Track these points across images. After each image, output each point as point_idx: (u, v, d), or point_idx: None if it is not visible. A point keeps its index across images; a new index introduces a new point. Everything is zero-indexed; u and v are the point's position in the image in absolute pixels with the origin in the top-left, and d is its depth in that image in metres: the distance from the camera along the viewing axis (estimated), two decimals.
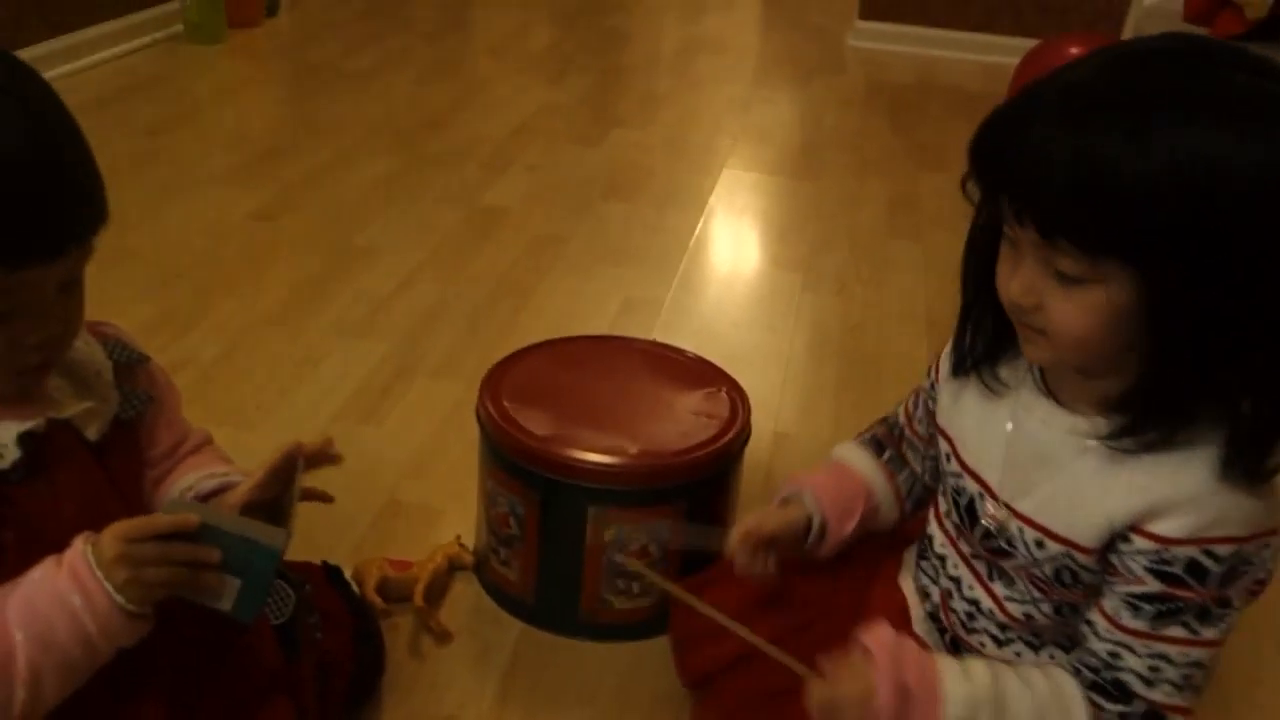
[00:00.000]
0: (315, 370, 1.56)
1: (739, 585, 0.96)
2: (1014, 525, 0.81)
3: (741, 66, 3.48)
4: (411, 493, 1.32)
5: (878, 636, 0.79)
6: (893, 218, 2.25)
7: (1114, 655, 0.77)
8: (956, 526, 0.88)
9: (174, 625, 0.81)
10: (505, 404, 1.11)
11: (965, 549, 0.87)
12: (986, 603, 0.86)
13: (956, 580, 0.88)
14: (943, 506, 0.91)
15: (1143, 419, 0.73)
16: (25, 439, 0.76)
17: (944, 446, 0.89)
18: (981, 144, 0.73)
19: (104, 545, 0.75)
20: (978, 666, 0.79)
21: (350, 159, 2.35)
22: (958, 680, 0.78)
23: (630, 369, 1.20)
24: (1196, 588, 0.73)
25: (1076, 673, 0.79)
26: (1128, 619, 0.76)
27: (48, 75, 0.76)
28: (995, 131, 0.72)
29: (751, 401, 1.16)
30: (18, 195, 0.70)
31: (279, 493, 0.87)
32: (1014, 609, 0.84)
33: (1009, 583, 0.84)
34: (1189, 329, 0.69)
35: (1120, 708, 0.76)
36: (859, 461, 0.98)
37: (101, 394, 0.84)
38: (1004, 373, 0.84)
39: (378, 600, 1.10)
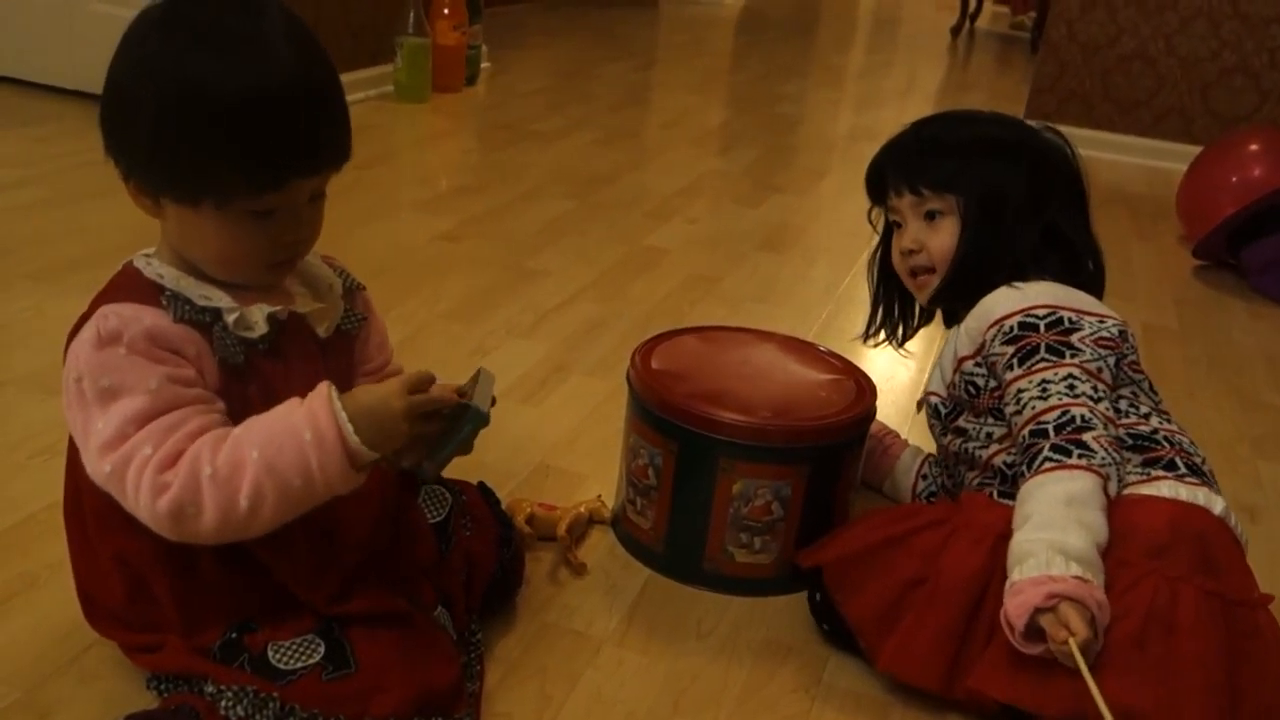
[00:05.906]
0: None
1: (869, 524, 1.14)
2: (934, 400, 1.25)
3: None
4: (560, 460, 1.45)
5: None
6: None
7: (1018, 405, 1.08)
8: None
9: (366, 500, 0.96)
10: (653, 365, 1.24)
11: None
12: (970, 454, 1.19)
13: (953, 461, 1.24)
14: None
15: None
16: (271, 319, 0.92)
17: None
18: (868, 174, 1.27)
19: (392, 397, 0.88)
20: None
21: (529, 200, 2.57)
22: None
23: (768, 353, 1.32)
24: (1032, 334, 1.11)
25: (1025, 463, 1.05)
26: (1009, 375, 1.11)
27: None
28: (873, 162, 1.27)
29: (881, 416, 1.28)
30: (291, 123, 0.85)
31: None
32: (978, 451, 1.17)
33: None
34: (992, 228, 1.18)
35: (1048, 441, 1.03)
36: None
37: (332, 302, 1.00)
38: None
39: (525, 529, 1.22)
